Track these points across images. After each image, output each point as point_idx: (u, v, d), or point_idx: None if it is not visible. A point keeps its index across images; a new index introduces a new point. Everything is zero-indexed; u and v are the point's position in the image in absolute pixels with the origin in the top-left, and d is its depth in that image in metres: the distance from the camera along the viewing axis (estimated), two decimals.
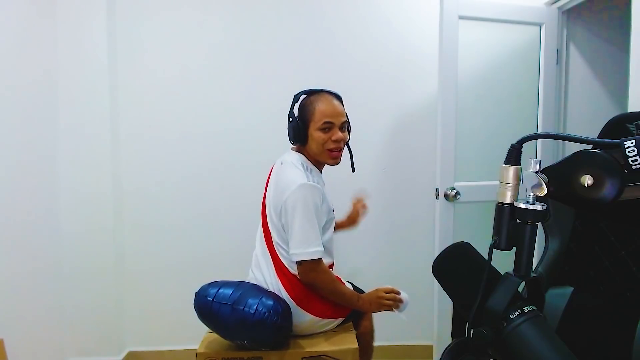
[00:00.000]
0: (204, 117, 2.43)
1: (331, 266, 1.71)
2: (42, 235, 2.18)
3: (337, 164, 1.67)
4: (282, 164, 1.67)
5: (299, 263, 1.54)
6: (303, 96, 1.67)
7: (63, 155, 2.29)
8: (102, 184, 2.32)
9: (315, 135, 1.61)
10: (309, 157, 1.67)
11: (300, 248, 1.52)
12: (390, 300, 1.66)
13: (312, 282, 1.58)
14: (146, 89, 2.40)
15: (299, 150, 1.69)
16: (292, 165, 1.61)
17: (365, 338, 1.80)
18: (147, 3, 2.37)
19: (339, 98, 1.68)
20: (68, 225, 2.30)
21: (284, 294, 1.59)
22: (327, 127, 1.60)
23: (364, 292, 1.88)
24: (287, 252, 1.60)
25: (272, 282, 1.63)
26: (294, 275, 1.60)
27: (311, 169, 1.64)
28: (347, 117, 1.67)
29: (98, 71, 2.28)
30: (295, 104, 1.66)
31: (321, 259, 1.55)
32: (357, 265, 2.45)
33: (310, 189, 1.52)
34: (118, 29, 2.35)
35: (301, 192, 1.51)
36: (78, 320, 2.34)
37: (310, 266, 1.54)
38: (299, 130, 1.62)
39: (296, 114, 1.64)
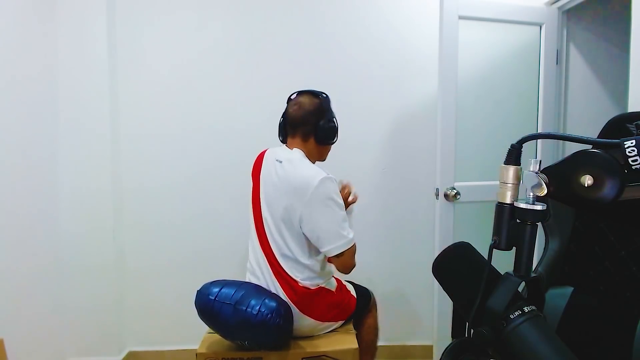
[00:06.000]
0: (204, 116, 2.43)
1: (329, 262, 1.70)
2: (42, 234, 2.18)
3: None
4: (280, 162, 1.62)
5: (340, 254, 1.56)
6: (326, 96, 1.71)
7: (63, 153, 2.29)
8: (102, 182, 2.32)
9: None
10: (314, 154, 1.68)
11: (339, 241, 1.54)
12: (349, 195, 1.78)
13: (353, 266, 1.62)
14: (146, 88, 2.40)
15: (298, 147, 1.66)
16: (300, 162, 1.60)
17: (369, 336, 1.80)
18: (148, 2, 2.37)
19: None
20: (68, 224, 2.30)
21: (284, 298, 1.58)
22: None
23: (368, 290, 1.87)
24: (293, 260, 1.58)
25: (271, 287, 1.62)
26: (296, 281, 1.59)
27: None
28: None
29: (98, 69, 2.28)
30: (330, 105, 1.70)
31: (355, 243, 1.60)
32: (357, 265, 2.44)
33: (332, 183, 1.55)
34: (118, 27, 2.36)
35: (326, 185, 1.52)
36: (78, 320, 2.34)
37: (350, 254, 1.58)
38: (337, 131, 1.68)
39: (333, 116, 1.68)
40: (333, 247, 1.53)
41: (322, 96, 1.69)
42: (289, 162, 1.60)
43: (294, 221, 1.55)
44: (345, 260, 1.57)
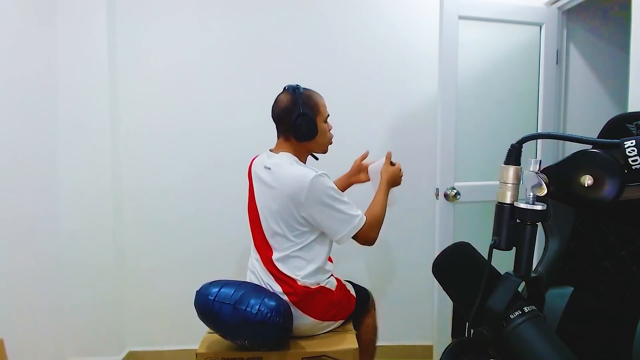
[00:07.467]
0: (204, 115, 2.43)
1: (330, 260, 1.71)
2: (42, 234, 2.18)
3: None
4: (269, 169, 1.62)
5: (355, 237, 1.60)
6: (300, 91, 1.64)
7: (63, 153, 2.29)
8: (102, 181, 2.32)
9: (323, 127, 1.66)
10: (301, 151, 1.66)
11: (348, 227, 1.57)
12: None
13: (375, 237, 1.65)
14: (146, 87, 2.40)
15: (285, 149, 1.65)
16: (288, 165, 1.59)
17: (368, 336, 1.80)
18: (147, 2, 2.37)
19: None
20: (67, 223, 2.30)
21: (284, 297, 1.58)
22: (327, 118, 1.69)
23: (366, 290, 1.87)
24: (293, 258, 1.58)
25: (269, 287, 1.61)
26: (295, 280, 1.59)
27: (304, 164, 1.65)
28: None
29: (98, 69, 2.28)
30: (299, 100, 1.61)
31: (365, 218, 1.61)
32: (356, 264, 2.45)
33: (322, 178, 1.54)
34: (118, 26, 2.36)
35: (318, 184, 1.52)
36: (78, 320, 2.34)
37: (366, 231, 1.60)
38: (313, 124, 1.61)
39: (304, 109, 1.59)
40: (343, 235, 1.58)
41: (298, 90, 1.62)
42: (278, 166, 1.60)
43: (291, 222, 1.56)
44: (363, 236, 1.61)
